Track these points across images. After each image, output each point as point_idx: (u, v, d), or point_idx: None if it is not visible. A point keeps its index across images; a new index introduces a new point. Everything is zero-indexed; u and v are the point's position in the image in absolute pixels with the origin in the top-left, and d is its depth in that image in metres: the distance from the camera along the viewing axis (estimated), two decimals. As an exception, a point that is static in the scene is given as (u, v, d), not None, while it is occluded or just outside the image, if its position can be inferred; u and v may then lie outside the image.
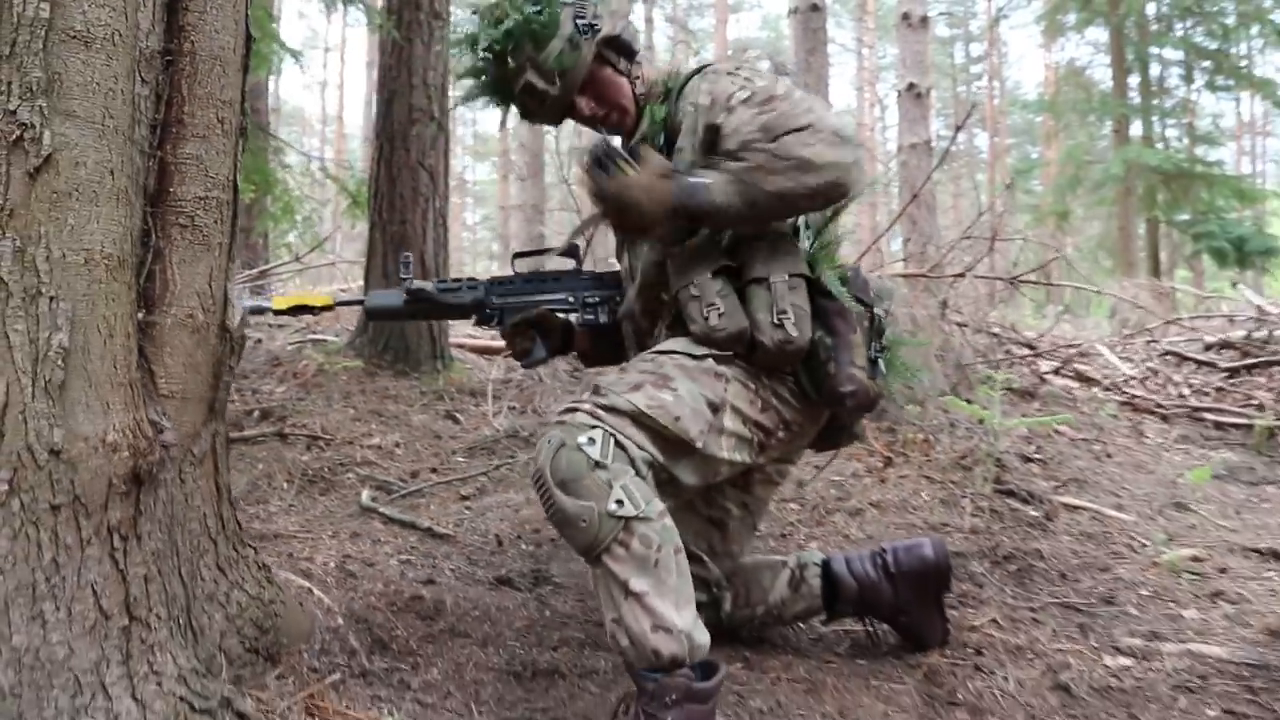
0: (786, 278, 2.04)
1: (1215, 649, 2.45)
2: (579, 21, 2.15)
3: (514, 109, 2.30)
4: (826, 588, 2.41)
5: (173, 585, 1.70)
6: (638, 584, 1.78)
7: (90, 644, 1.50)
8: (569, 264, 2.41)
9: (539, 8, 2.13)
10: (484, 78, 2.24)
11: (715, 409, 1.99)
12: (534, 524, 3.20)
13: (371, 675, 2.02)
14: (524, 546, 3.03)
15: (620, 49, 2.23)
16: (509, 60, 2.15)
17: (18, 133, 1.47)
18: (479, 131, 39.64)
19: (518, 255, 2.53)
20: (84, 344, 1.51)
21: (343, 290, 8.60)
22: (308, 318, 6.56)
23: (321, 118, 35.58)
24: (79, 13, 1.52)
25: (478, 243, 38.02)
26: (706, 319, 2.01)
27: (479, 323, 2.37)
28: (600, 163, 1.98)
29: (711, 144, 2.07)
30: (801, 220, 2.18)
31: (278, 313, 2.32)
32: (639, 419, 1.89)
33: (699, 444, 1.95)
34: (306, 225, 5.58)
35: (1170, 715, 2.18)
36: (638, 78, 2.26)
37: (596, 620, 2.49)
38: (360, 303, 2.44)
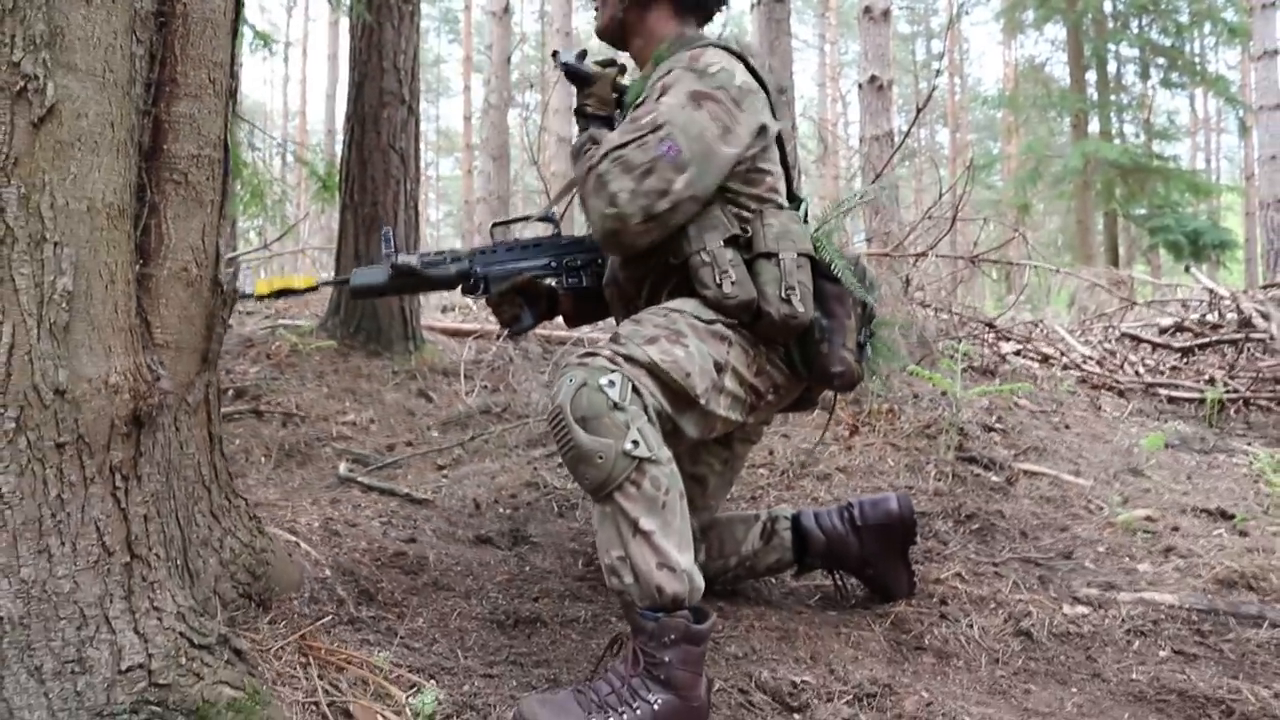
0: (795, 255, 2.12)
1: (1167, 597, 2.57)
2: None
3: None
4: (796, 540, 2.50)
5: (170, 528, 1.76)
6: (647, 523, 1.85)
7: (94, 579, 1.55)
8: (548, 230, 2.47)
9: None
10: None
11: (719, 369, 2.06)
12: (510, 490, 3.27)
13: (360, 622, 2.09)
14: (501, 510, 3.11)
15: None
16: None
17: (22, 84, 1.51)
18: (442, 127, 39.54)
19: (497, 224, 2.58)
20: (87, 288, 1.56)
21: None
22: (281, 302, 6.58)
23: (284, 113, 35.32)
24: (80, -31, 1.57)
25: (441, 239, 37.87)
26: (719, 285, 2.07)
27: (465, 292, 2.39)
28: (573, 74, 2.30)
29: None
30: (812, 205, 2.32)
31: (260, 298, 2.32)
32: (653, 370, 1.95)
33: (703, 400, 2.02)
34: (276, 209, 5.60)
35: (1125, 656, 2.30)
36: (672, 36, 2.35)
37: (575, 575, 2.57)
38: (345, 281, 2.41)
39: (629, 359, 1.94)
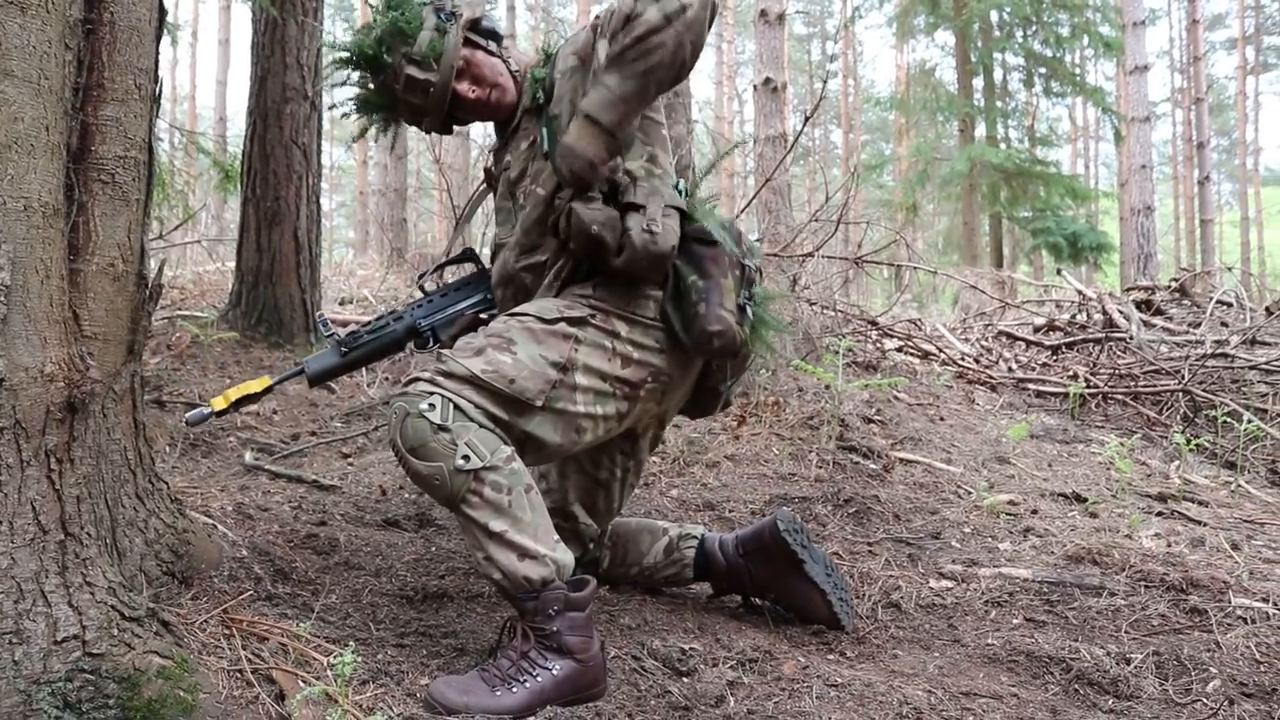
0: (663, 207, 2.19)
1: (1022, 572, 2.83)
2: (440, 13, 2.33)
3: (404, 122, 2.44)
4: (700, 558, 2.58)
5: (100, 508, 1.86)
6: (497, 525, 1.98)
7: (30, 555, 1.65)
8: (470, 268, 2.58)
9: (400, 10, 2.31)
10: (368, 94, 2.39)
11: (563, 368, 2.14)
12: (416, 477, 3.40)
13: (277, 598, 2.21)
14: (406, 495, 3.23)
15: (485, 33, 2.39)
16: (385, 60, 2.30)
17: (-39, 90, 1.61)
18: (335, 116, 38.75)
19: (423, 275, 2.65)
20: (24, 283, 1.66)
21: (206, 271, 8.54)
22: (177, 293, 6.56)
23: (172, 97, 34.41)
24: (17, -19, 1.66)
25: (334, 229, 37.21)
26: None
27: (418, 348, 2.48)
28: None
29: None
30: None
31: (221, 413, 2.31)
32: (474, 381, 2.04)
33: (538, 402, 2.10)
34: (180, 199, 5.59)
35: (983, 624, 2.54)
36: (510, 58, 2.42)
37: (479, 555, 2.72)
38: (301, 372, 2.45)
39: (448, 375, 2.04)
